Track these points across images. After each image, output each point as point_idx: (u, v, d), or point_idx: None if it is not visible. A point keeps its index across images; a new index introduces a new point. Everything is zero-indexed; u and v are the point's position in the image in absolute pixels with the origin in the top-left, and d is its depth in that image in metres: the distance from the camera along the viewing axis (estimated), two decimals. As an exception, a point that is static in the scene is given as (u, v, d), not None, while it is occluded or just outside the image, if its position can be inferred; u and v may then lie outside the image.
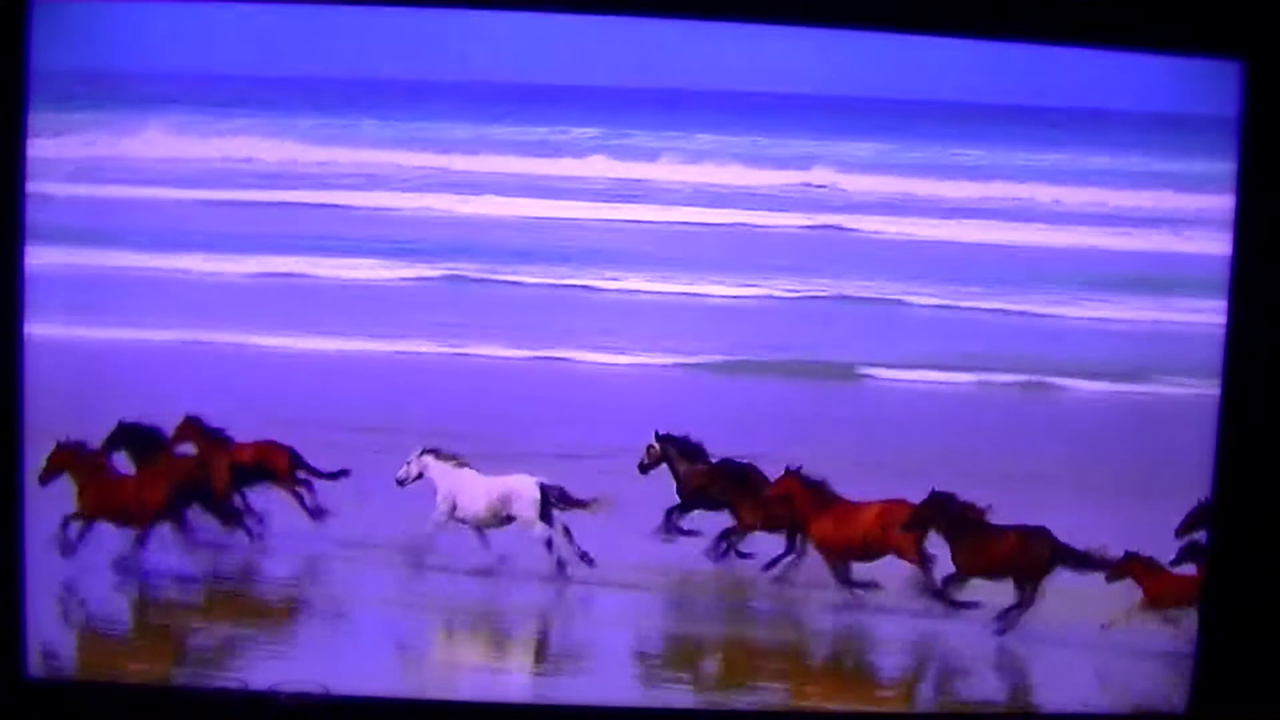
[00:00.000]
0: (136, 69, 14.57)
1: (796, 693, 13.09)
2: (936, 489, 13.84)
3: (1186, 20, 11.49)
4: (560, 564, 14.31)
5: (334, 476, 14.78)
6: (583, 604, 14.18)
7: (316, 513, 14.83)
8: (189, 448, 14.77)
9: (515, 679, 13.41)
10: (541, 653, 13.80)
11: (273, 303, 17.75)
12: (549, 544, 14.36)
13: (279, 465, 14.84)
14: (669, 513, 14.71)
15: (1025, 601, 13.73)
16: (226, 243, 18.39)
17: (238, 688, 11.37)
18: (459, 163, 20.99)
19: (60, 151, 14.98)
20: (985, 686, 13.29)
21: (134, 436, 14.61)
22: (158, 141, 18.82)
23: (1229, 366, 11.59)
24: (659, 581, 14.31)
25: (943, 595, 13.83)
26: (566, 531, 14.36)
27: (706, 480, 14.66)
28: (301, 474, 14.86)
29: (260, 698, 11.34)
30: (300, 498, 14.84)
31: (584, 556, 14.29)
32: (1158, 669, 13.11)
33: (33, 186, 11.46)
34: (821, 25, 11.72)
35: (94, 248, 15.66)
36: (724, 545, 14.54)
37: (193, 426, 14.78)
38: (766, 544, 14.50)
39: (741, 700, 12.93)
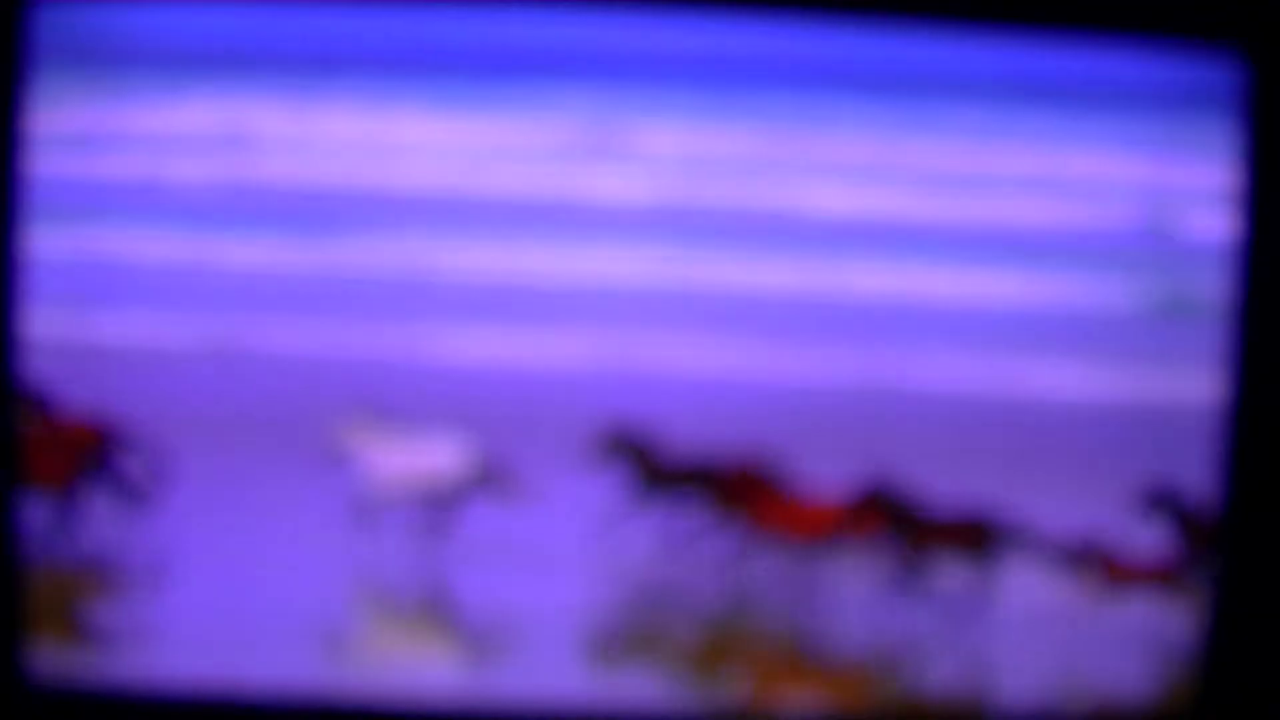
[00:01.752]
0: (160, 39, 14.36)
1: (757, 690, 13.00)
2: (876, 478, 13.70)
3: (1185, 11, 11.53)
4: (487, 542, 14.11)
5: (146, 471, 13.84)
6: (519, 590, 13.88)
7: (135, 496, 13.92)
8: None
9: (453, 674, 13.10)
10: (481, 642, 13.46)
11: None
12: (454, 521, 14.21)
13: (87, 445, 14.02)
14: (633, 503, 14.36)
15: (911, 567, 13.72)
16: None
17: (236, 689, 11.36)
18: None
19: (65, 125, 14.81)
20: (963, 683, 13.24)
21: None
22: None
23: (1233, 356, 11.62)
24: (602, 573, 14.03)
25: (900, 585, 13.81)
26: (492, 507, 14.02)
27: (666, 473, 14.52)
28: (110, 459, 13.92)
29: (260, 700, 11.34)
30: (120, 483, 13.96)
31: (505, 538, 14.15)
32: (1150, 663, 13.21)
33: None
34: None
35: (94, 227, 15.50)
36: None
37: None
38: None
39: (696, 699, 12.77)
